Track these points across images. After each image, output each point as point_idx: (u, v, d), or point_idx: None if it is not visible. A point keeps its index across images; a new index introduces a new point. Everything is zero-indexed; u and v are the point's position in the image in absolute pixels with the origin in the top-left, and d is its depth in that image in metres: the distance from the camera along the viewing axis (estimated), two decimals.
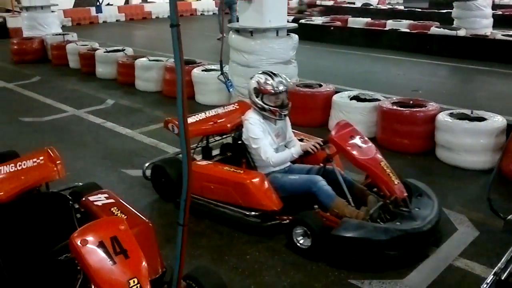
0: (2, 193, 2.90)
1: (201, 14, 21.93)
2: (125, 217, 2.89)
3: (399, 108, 5.29)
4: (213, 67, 7.53)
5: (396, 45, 11.78)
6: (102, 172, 4.85)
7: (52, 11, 12.32)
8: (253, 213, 3.57)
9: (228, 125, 4.20)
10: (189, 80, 7.46)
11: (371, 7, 20.29)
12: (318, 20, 15.28)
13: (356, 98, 5.81)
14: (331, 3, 22.02)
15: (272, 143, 3.71)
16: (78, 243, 2.04)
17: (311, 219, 3.29)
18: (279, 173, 3.72)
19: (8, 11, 15.82)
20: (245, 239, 3.58)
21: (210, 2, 22.56)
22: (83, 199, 3.13)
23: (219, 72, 6.86)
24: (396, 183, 3.42)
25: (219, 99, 6.97)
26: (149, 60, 8.29)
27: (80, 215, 2.98)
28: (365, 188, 3.58)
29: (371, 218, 3.24)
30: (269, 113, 3.68)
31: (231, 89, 6.47)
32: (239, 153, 3.89)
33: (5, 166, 3.18)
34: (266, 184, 3.55)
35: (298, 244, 3.34)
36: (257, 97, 3.68)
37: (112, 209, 2.99)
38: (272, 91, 3.62)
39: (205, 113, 4.41)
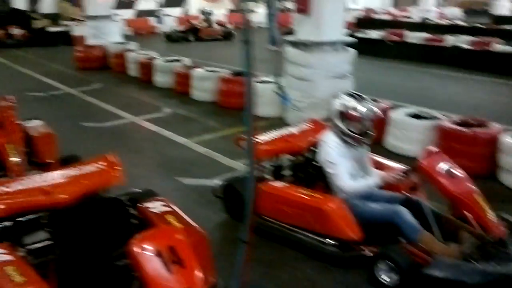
0: (66, 196, 3.00)
1: (258, 26, 22.15)
2: (181, 226, 2.94)
3: (459, 128, 5.10)
4: (267, 79, 7.57)
5: (456, 61, 11.43)
6: (158, 179, 4.95)
7: (115, 21, 12.82)
8: (330, 241, 3.38)
9: (302, 145, 4.04)
10: (243, 91, 7.51)
11: (430, 21, 19.82)
12: (374, 34, 15.08)
13: (414, 115, 5.66)
14: (388, 17, 21.70)
15: (349, 169, 3.50)
16: (136, 250, 2.08)
17: (398, 254, 3.06)
18: (358, 199, 3.47)
19: (73, 20, 16.59)
20: (297, 255, 3.51)
21: (265, 14, 22.73)
22: (140, 205, 3.19)
23: (274, 84, 6.88)
24: (492, 218, 3.15)
25: (274, 111, 7.00)
26: (206, 71, 8.44)
27: (137, 221, 3.04)
28: (458, 221, 3.26)
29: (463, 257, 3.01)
30: (350, 139, 3.50)
31: (287, 103, 6.46)
32: (313, 175, 3.74)
33: (69, 170, 3.30)
34: (346, 210, 3.35)
35: (381, 280, 3.09)
36: (341, 121, 3.50)
37: (168, 217, 3.04)
38: (359, 118, 3.42)
39: (278, 132, 4.32)
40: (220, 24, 17.12)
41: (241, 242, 1.88)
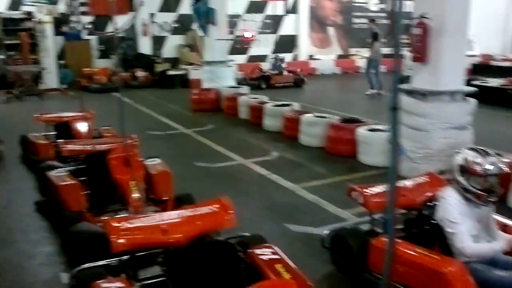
0: (181, 235, 3.12)
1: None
2: (290, 276, 2.90)
3: None
4: (379, 127, 7.40)
5: None
6: (265, 223, 4.97)
7: (229, 66, 13.48)
8: None
9: (416, 200, 3.87)
10: (352, 138, 7.44)
11: None
12: (494, 82, 14.19)
13: None
14: (508, 64, 20.37)
15: (471, 230, 3.27)
16: None
17: None
18: (481, 264, 3.21)
19: (190, 64, 17.75)
20: None
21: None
22: (250, 251, 3.22)
23: (386, 133, 6.71)
24: None
25: (384, 161, 6.77)
26: (315, 116, 8.47)
27: (245, 266, 3.05)
28: None
29: None
30: (472, 196, 3.28)
31: (401, 155, 6.21)
32: (428, 232, 3.52)
33: (184, 210, 3.44)
34: (467, 275, 3.05)
35: None
36: (463, 176, 3.31)
37: (277, 266, 3.02)
38: (482, 172, 3.22)
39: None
40: (290, 71, 17.13)
41: None
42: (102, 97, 13.78)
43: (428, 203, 3.81)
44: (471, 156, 3.28)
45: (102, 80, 15.71)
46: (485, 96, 11.73)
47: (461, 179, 3.31)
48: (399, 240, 3.57)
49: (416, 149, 6.16)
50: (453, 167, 3.38)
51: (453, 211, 3.27)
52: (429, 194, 3.92)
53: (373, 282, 3.57)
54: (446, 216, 3.29)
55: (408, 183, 4.17)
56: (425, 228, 3.57)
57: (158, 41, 18.41)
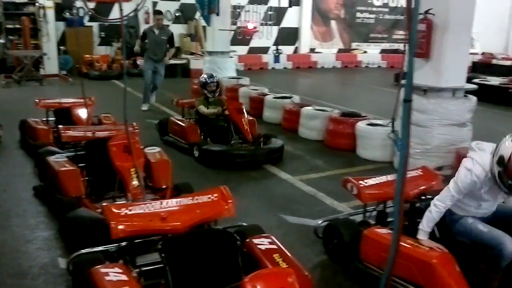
0: (179, 223, 3.14)
1: (365, 66, 21.98)
2: (286, 266, 2.93)
3: None
4: (378, 121, 7.42)
5: None
6: (262, 214, 5.00)
7: (230, 57, 13.44)
8: None
9: (410, 192, 3.92)
10: (352, 132, 7.45)
11: None
12: (494, 81, 14.21)
13: None
14: (509, 62, 20.36)
15: (474, 205, 3.37)
16: None
17: None
18: (474, 218, 3.37)
19: (192, 54, 17.67)
20: None
21: (376, 54, 22.51)
22: (247, 240, 3.24)
23: (385, 128, 6.72)
24: None
25: (383, 155, 6.81)
26: (315, 109, 8.48)
27: (242, 254, 3.07)
28: None
29: None
30: (497, 186, 3.21)
31: (400, 149, 6.25)
32: (419, 224, 3.57)
33: (183, 198, 3.46)
34: (453, 265, 3.17)
35: None
36: (498, 165, 3.11)
37: (274, 255, 3.05)
38: None
39: (386, 177, 4.20)
40: None
41: None
42: (102, 84, 13.75)
43: (422, 197, 3.95)
44: None
45: (102, 67, 15.66)
46: (485, 94, 11.77)
47: (495, 167, 3.14)
48: (390, 231, 3.63)
49: (415, 145, 6.18)
50: (496, 150, 3.18)
51: (467, 182, 3.23)
52: (422, 187, 4.04)
53: (363, 270, 3.63)
54: (458, 179, 3.28)
55: None
56: (417, 221, 3.62)
57: None
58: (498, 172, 3.12)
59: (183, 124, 7.38)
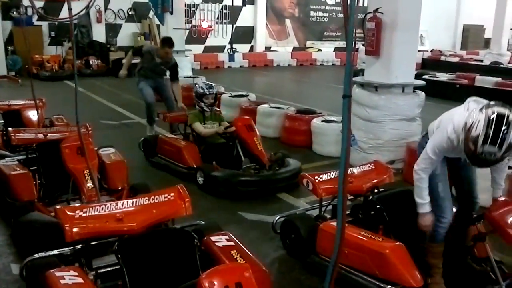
0: (135, 224, 3.12)
1: (320, 64, 22.34)
2: (244, 261, 2.96)
3: None
4: (333, 118, 7.58)
5: None
6: (221, 212, 5.02)
7: (186, 56, 13.35)
8: (389, 286, 3.28)
9: (363, 186, 4.09)
10: (308, 129, 7.59)
11: (501, 66, 19.13)
12: (443, 76, 14.76)
13: None
14: (456, 59, 21.20)
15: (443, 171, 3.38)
16: (206, 285, 2.12)
17: None
18: (440, 175, 3.37)
19: None
20: None
21: (330, 52, 22.93)
22: (205, 238, 3.26)
23: (339, 124, 6.88)
24: None
25: (337, 151, 6.91)
26: (271, 107, 8.56)
27: (200, 253, 3.09)
28: None
29: None
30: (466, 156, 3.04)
31: (353, 144, 6.40)
32: (372, 217, 3.74)
33: (139, 199, 3.43)
34: (407, 255, 3.27)
35: None
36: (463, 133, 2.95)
37: (232, 252, 3.08)
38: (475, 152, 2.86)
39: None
40: None
41: None
42: (53, 85, 13.37)
43: (375, 190, 4.08)
44: (479, 128, 2.80)
45: (53, 68, 15.22)
46: (434, 90, 12.24)
47: (461, 134, 2.97)
48: (346, 224, 3.72)
49: (367, 140, 6.37)
50: (464, 120, 2.99)
51: (443, 144, 3.18)
52: (375, 181, 4.20)
53: (319, 263, 3.72)
54: (434, 142, 3.25)
55: (355, 170, 4.36)
56: (370, 213, 3.79)
57: (113, 29, 17.98)
58: (461, 143, 3.00)
59: (179, 144, 6.15)
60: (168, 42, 7.60)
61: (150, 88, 7.81)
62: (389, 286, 3.28)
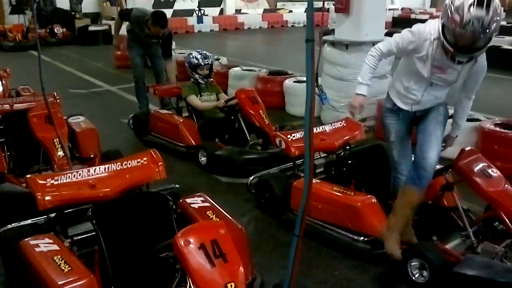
0: (108, 189, 3.10)
1: (291, 25, 22.14)
2: (221, 221, 2.99)
3: (501, 130, 4.99)
4: (304, 78, 7.56)
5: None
6: (197, 176, 5.04)
7: None
8: (362, 238, 3.38)
9: (335, 143, 4.17)
10: (280, 90, 7.58)
11: None
12: None
13: None
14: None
15: (405, 83, 3.28)
16: (182, 243, 2.13)
17: (431, 252, 3.03)
18: (395, 120, 3.44)
19: (113, 19, 16.98)
20: (334, 254, 3.53)
21: (301, 13, 22.71)
22: (180, 200, 3.26)
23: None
24: None
25: None
26: (243, 70, 8.49)
27: (176, 216, 3.10)
28: None
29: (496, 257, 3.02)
30: (452, 46, 2.81)
31: (324, 102, 6.43)
32: (344, 173, 3.81)
33: (112, 164, 3.39)
34: (377, 207, 3.39)
35: (413, 277, 3.08)
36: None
37: (207, 212, 3.10)
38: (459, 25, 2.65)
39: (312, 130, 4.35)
40: None
41: (294, 236, 1.86)
42: (18, 55, 12.96)
43: (346, 146, 4.19)
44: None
45: (17, 37, 14.69)
46: None
47: (440, 22, 2.85)
48: (319, 181, 3.80)
49: (339, 99, 6.41)
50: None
51: (409, 37, 3.07)
52: (346, 137, 4.29)
53: (294, 220, 3.78)
54: (402, 35, 3.13)
55: (327, 128, 4.41)
56: (342, 169, 3.87)
57: None
58: (442, 25, 2.81)
59: (175, 121, 5.61)
60: (159, 22, 6.21)
61: (140, 57, 6.92)
62: (362, 237, 3.39)
